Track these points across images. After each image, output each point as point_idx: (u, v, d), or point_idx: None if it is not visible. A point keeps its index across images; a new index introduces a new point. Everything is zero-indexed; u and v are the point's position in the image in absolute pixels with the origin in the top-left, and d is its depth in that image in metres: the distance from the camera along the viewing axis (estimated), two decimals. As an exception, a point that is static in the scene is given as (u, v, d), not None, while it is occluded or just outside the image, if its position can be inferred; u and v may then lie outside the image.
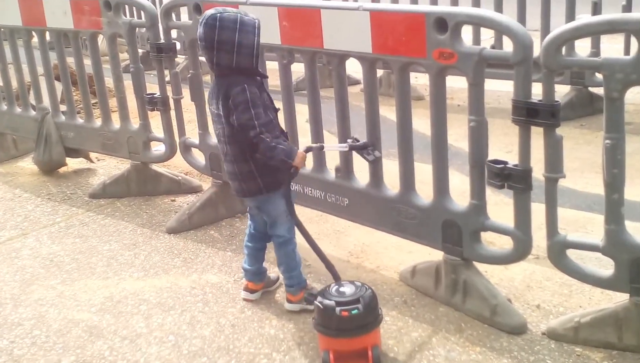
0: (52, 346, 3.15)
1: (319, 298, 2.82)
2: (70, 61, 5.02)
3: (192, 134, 4.42)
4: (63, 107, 5.19)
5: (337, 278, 3.00)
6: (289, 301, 3.26)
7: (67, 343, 3.15)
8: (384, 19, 3.13)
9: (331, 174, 3.63)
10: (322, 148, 3.23)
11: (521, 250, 2.90)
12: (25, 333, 3.27)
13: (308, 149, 3.11)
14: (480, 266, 3.17)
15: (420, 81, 6.46)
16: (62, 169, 5.33)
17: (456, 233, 3.06)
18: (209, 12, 2.93)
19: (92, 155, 5.41)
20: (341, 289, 2.84)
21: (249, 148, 3.02)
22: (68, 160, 5.30)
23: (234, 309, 3.32)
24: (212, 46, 2.91)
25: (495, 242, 3.44)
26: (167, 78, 4.39)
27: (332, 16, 3.35)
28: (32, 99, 5.43)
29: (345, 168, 3.52)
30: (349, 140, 3.32)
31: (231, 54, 2.90)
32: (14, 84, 5.54)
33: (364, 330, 2.76)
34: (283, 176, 3.04)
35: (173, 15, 4.36)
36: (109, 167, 5.38)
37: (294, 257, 3.21)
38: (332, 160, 3.63)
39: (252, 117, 2.92)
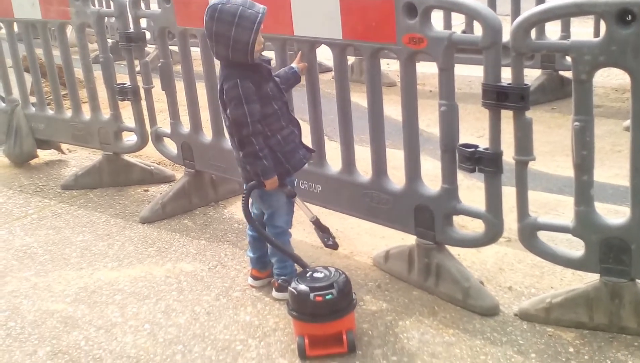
0: (27, 337, 3.09)
1: (293, 284, 2.79)
2: (39, 52, 4.93)
3: (164, 124, 4.35)
4: (33, 99, 5.09)
5: (305, 267, 2.97)
6: (277, 290, 3.19)
7: (42, 334, 3.10)
8: (354, 4, 3.09)
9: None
10: (294, 195, 3.09)
11: (492, 232, 2.88)
12: None
13: (283, 186, 3.03)
14: (453, 250, 3.15)
15: (392, 67, 6.43)
16: (34, 161, 5.25)
17: (428, 218, 3.03)
18: (213, 0, 2.85)
19: (63, 146, 5.31)
20: (315, 275, 2.81)
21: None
22: (39, 152, 5.21)
23: (209, 297, 3.27)
24: (210, 37, 2.85)
25: (468, 226, 3.42)
26: (137, 68, 4.30)
27: (301, 3, 3.29)
28: (0, 91, 5.30)
29: (318, 154, 3.48)
30: (316, 216, 3.20)
31: (227, 48, 2.82)
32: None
33: (338, 314, 2.73)
34: (283, 170, 3.01)
35: (142, 4, 4.29)
36: (80, 158, 5.29)
37: (288, 248, 3.16)
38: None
39: (246, 114, 2.86)
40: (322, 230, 3.17)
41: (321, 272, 2.82)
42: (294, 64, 3.26)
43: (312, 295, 2.71)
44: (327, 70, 6.20)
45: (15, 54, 5.02)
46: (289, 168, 3.04)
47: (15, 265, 3.77)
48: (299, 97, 3.68)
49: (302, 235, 3.49)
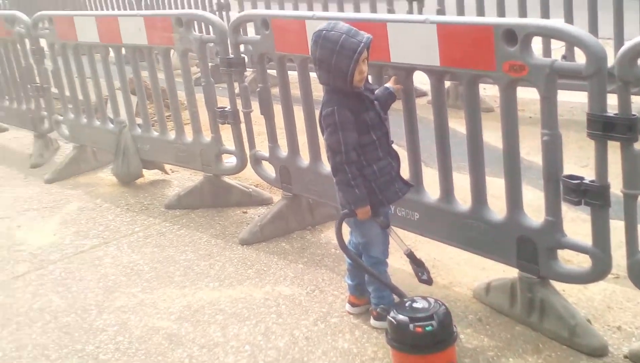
0: (134, 352, 3.14)
1: (392, 313, 2.70)
2: (145, 75, 5.02)
3: (262, 147, 4.33)
4: (139, 121, 5.17)
5: (402, 296, 2.88)
6: (376, 318, 3.11)
7: (148, 350, 3.14)
8: (452, 31, 2.98)
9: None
10: (387, 226, 3.00)
11: (600, 268, 2.69)
12: (109, 338, 3.28)
13: (376, 216, 2.94)
14: (557, 285, 2.97)
15: (489, 92, 6.23)
16: (139, 181, 5.33)
17: (531, 250, 2.87)
18: (320, 26, 2.81)
19: (167, 167, 5.40)
20: (414, 305, 2.71)
21: None
22: (144, 171, 5.29)
23: (307, 321, 3.23)
24: (314, 62, 2.83)
25: (573, 260, 3.23)
26: (237, 91, 4.31)
27: (398, 30, 3.20)
28: (110, 113, 5.43)
29: (415, 181, 3.37)
30: (410, 249, 3.07)
31: (328, 74, 2.78)
32: (93, 98, 5.55)
33: (439, 347, 2.63)
34: (376, 201, 2.92)
35: (241, 30, 4.29)
36: (183, 179, 5.35)
37: (387, 277, 3.07)
38: (403, 173, 3.48)
39: (340, 142, 2.80)
40: (416, 264, 3.05)
41: (420, 302, 2.72)
42: (388, 84, 3.17)
43: (412, 325, 2.61)
44: (422, 94, 6.02)
45: (122, 78, 5.12)
46: (383, 199, 2.95)
47: (124, 281, 3.84)
48: (394, 123, 3.58)
49: (399, 263, 3.39)
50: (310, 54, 2.85)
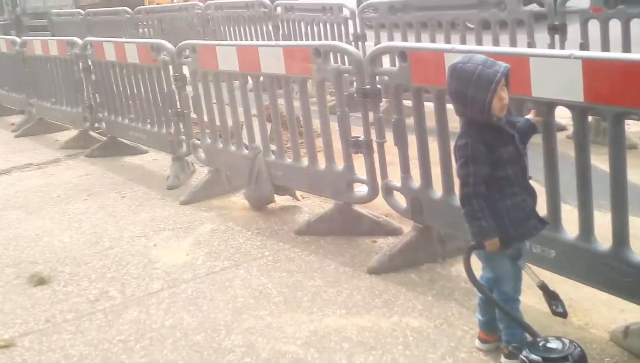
0: (261, 375, 3.23)
1: (525, 353, 2.70)
2: (281, 103, 5.22)
3: (394, 177, 4.41)
4: (273, 147, 5.39)
5: (535, 336, 2.86)
6: (507, 357, 3.09)
7: (275, 374, 3.23)
8: (598, 67, 2.98)
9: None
10: (518, 257, 2.98)
11: None
12: (236, 359, 3.41)
13: (507, 246, 2.93)
14: None
15: (632, 128, 6.06)
16: (271, 206, 5.52)
17: (676, 295, 2.81)
18: (456, 59, 2.89)
19: (298, 193, 5.57)
20: (548, 345, 2.71)
21: None
22: (276, 197, 5.48)
23: (435, 355, 3.26)
24: (450, 95, 2.90)
25: None
26: (371, 120, 4.43)
27: (541, 64, 3.23)
28: (245, 139, 5.67)
29: (553, 218, 3.35)
30: (544, 282, 3.04)
31: (465, 106, 2.84)
32: (229, 123, 5.81)
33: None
34: (507, 236, 2.93)
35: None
36: (313, 205, 5.50)
37: (519, 315, 3.06)
38: (539, 210, 3.46)
39: (469, 174, 2.85)
40: (550, 296, 3.02)
41: (554, 343, 2.71)
42: (529, 116, 3.18)
43: None
44: (562, 129, 5.92)
45: (259, 105, 5.36)
46: (516, 235, 2.95)
47: (252, 304, 3.99)
48: (531, 157, 3.57)
49: (533, 300, 3.36)
50: (447, 87, 2.92)
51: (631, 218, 3.12)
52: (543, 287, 3.01)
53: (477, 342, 3.28)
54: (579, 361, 2.62)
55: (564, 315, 3.02)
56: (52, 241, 5.34)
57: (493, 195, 2.91)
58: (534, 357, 2.65)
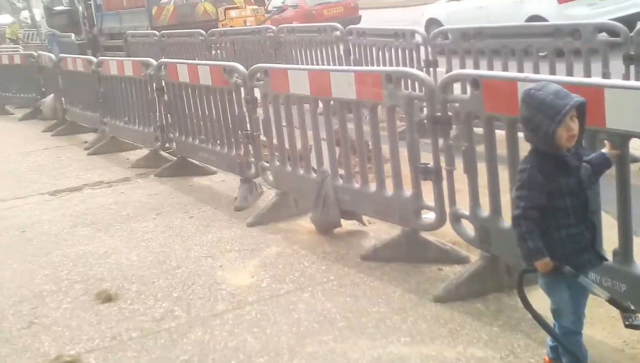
0: (324, 402, 3.31)
1: None
2: (350, 127, 5.32)
3: (463, 205, 4.46)
4: (341, 171, 5.50)
5: None
6: None
7: (338, 400, 3.30)
8: (675, 99, 3.00)
9: (608, 257, 3.48)
10: (575, 275, 2.97)
11: None
12: None
13: (560, 267, 2.96)
14: None
15: None
16: (337, 230, 5.61)
17: None
18: (531, 85, 3.00)
19: (365, 218, 5.64)
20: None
21: None
22: (342, 221, 5.57)
23: (500, 386, 3.30)
24: (520, 120, 3.01)
25: None
26: (440, 147, 4.50)
27: (616, 95, 3.27)
28: (313, 162, 5.81)
29: (624, 251, 3.36)
30: (611, 295, 3.02)
31: (531, 133, 2.94)
32: (299, 146, 5.97)
33: None
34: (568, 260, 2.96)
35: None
36: (379, 231, 5.55)
37: (579, 348, 3.07)
38: (610, 243, 3.49)
39: (522, 198, 2.93)
40: (623, 309, 2.99)
41: None
42: (604, 150, 3.21)
43: None
44: (635, 160, 5.87)
45: (329, 129, 5.48)
46: (567, 266, 2.98)
47: (316, 328, 4.08)
48: (604, 188, 3.59)
49: (601, 335, 3.37)
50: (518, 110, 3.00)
51: None
52: (613, 301, 2.99)
53: None
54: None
55: (639, 327, 2.98)
56: (120, 259, 5.57)
57: (548, 224, 2.97)
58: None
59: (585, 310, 3.12)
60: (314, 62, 10.93)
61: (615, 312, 3.67)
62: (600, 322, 3.70)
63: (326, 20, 16.57)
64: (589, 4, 12.99)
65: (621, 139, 3.31)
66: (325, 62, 10.63)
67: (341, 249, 5.31)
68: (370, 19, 22.90)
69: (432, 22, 15.63)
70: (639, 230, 3.60)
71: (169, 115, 8.00)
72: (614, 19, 8.07)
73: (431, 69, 8.38)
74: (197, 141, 7.47)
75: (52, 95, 12.26)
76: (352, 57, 10.08)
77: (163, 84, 7.91)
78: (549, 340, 3.26)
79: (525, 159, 3.01)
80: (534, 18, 12.87)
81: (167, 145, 8.32)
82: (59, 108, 11.82)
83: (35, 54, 13.57)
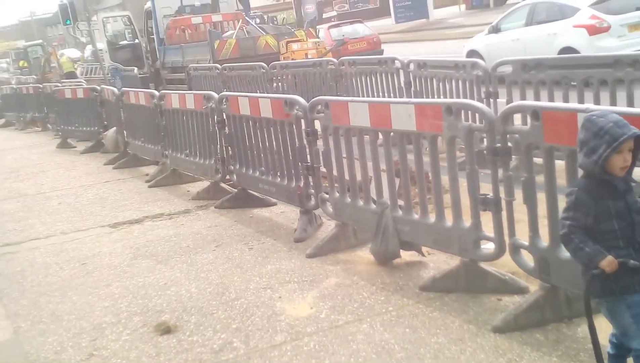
0: None
1: None
2: (410, 158, 5.48)
3: (522, 235, 4.58)
4: (400, 202, 5.65)
5: None
6: None
7: None
8: None
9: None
10: (637, 265, 3.08)
11: None
12: None
13: (623, 262, 3.06)
14: None
15: None
16: (396, 261, 5.74)
17: None
18: (594, 111, 3.19)
19: (424, 249, 5.78)
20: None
21: None
22: (402, 252, 5.70)
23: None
24: (577, 144, 3.18)
25: None
26: (500, 177, 4.64)
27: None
28: (373, 193, 5.97)
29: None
30: None
31: (584, 156, 3.11)
32: (358, 178, 6.12)
33: None
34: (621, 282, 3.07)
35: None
36: (438, 261, 5.69)
37: None
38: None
39: (568, 219, 3.11)
40: None
41: None
42: None
43: None
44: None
45: (389, 160, 5.65)
46: (614, 287, 3.09)
47: (374, 359, 4.21)
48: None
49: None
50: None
51: None
52: None
53: None
54: None
55: None
56: (180, 290, 5.79)
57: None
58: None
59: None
60: (375, 94, 11.17)
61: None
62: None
63: (350, 54, 16.94)
64: (619, 35, 13.53)
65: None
66: (386, 94, 10.85)
67: (400, 280, 5.43)
68: (406, 51, 23.26)
69: (472, 54, 16.40)
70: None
71: (229, 147, 8.29)
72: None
73: (492, 100, 8.51)
74: (258, 173, 7.73)
75: (114, 128, 12.77)
76: (412, 88, 10.28)
77: (224, 117, 8.21)
78: None
79: (575, 183, 3.19)
80: (566, 50, 13.43)
81: (227, 177, 8.58)
82: (121, 141, 12.30)
83: (98, 88, 14.14)
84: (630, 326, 3.13)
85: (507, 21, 16.51)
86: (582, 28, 13.87)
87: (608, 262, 3.06)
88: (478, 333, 4.39)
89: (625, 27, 13.60)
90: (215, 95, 8.42)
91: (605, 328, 3.51)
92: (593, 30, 13.70)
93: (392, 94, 10.69)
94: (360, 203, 6.07)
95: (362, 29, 25.31)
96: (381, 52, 22.36)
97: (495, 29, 16.57)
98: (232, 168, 8.29)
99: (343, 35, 23.48)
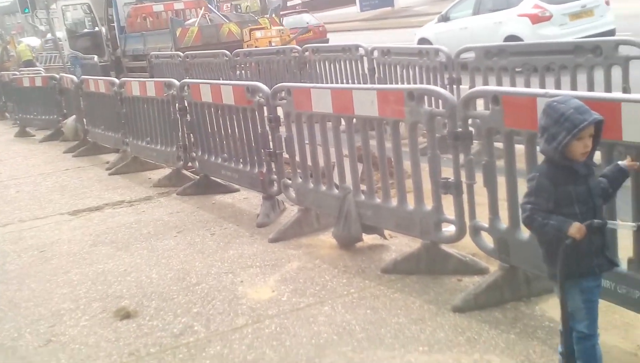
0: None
1: None
2: (373, 144, 5.56)
3: (482, 218, 4.67)
4: (363, 187, 5.73)
5: None
6: None
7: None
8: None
9: (623, 265, 3.68)
10: (605, 224, 3.16)
11: None
12: None
13: (589, 224, 3.12)
14: None
15: None
16: (358, 244, 5.82)
17: None
18: (555, 97, 3.22)
19: (386, 232, 5.86)
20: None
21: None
22: (364, 236, 5.78)
23: (515, 393, 3.49)
24: (539, 130, 3.22)
25: None
26: (461, 162, 4.73)
27: (633, 109, 3.49)
28: (336, 179, 6.03)
29: (639, 259, 3.57)
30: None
31: (545, 142, 3.15)
32: (321, 164, 6.20)
33: None
34: (574, 265, 3.13)
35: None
36: (400, 244, 5.77)
37: (594, 354, 3.24)
38: (626, 252, 3.68)
39: (529, 203, 3.14)
40: None
41: None
42: (621, 162, 3.40)
43: None
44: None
45: (351, 145, 5.72)
46: (575, 269, 3.15)
47: (335, 340, 4.27)
48: (620, 198, 3.78)
49: (616, 340, 3.56)
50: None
51: None
52: None
53: None
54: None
55: None
56: (140, 276, 5.79)
57: None
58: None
59: (599, 315, 3.29)
60: (339, 81, 11.26)
61: (629, 317, 3.89)
62: (615, 327, 3.89)
63: (297, 44, 17.08)
64: (560, 24, 14.31)
65: (637, 152, 3.51)
66: (350, 81, 10.94)
67: (362, 263, 5.51)
68: (372, 39, 23.50)
69: (423, 42, 17.02)
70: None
71: (191, 134, 8.30)
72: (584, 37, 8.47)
73: (455, 87, 8.63)
74: (220, 159, 7.76)
75: (73, 116, 12.67)
76: (376, 75, 10.38)
77: (186, 104, 8.21)
78: (559, 348, 3.43)
79: (536, 168, 3.25)
80: (510, 38, 14.10)
81: (189, 164, 8.60)
82: (81, 129, 12.22)
83: (57, 76, 14.05)
84: (580, 310, 3.21)
85: (456, 10, 17.10)
86: (525, 17, 14.57)
87: (576, 228, 3.09)
88: (438, 313, 4.49)
89: (567, 16, 14.32)
90: (177, 82, 8.41)
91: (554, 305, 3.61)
92: (536, 19, 14.39)
93: (356, 81, 10.78)
94: (323, 188, 6.13)
95: (309, 18, 26.33)
96: (326, 42, 22.61)
97: (445, 18, 17.16)
98: (194, 154, 8.31)
99: (307, 23, 23.60)
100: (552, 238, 3.15)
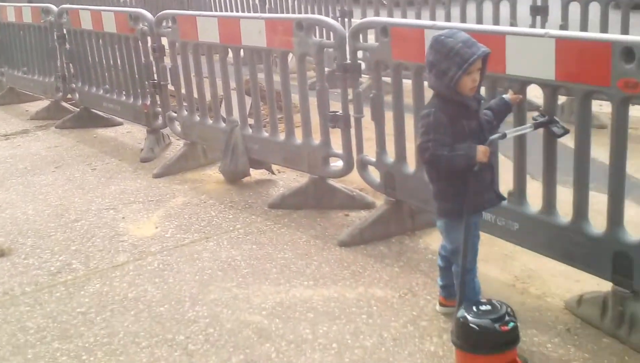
0: (223, 344, 3.50)
1: (471, 319, 2.90)
2: (261, 77, 5.49)
3: (370, 152, 4.71)
4: (250, 121, 5.67)
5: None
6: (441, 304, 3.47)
7: (237, 343, 3.49)
8: (570, 46, 3.28)
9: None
10: (504, 136, 3.21)
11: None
12: (200, 330, 3.65)
13: (490, 142, 3.15)
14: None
15: (604, 109, 6.45)
16: (245, 179, 5.79)
17: (627, 265, 3.13)
18: (441, 31, 3.17)
19: (274, 167, 5.86)
20: (484, 307, 2.93)
21: (429, 170, 3.27)
22: (251, 171, 5.76)
23: (397, 323, 3.56)
24: (426, 65, 3.18)
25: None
26: (350, 97, 4.73)
27: (517, 42, 3.53)
28: (223, 112, 5.96)
29: (518, 193, 3.68)
30: (533, 118, 3.37)
31: (435, 78, 3.12)
32: (208, 97, 6.11)
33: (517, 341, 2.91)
34: (465, 200, 3.14)
35: (361, 36, 4.70)
36: (288, 179, 5.79)
37: (473, 287, 3.32)
38: (506, 185, 3.78)
39: (430, 140, 3.10)
40: (548, 123, 3.35)
41: (490, 304, 2.94)
42: (505, 95, 3.46)
43: (497, 325, 2.84)
44: (536, 108, 6.29)
45: (239, 78, 5.62)
46: (469, 205, 3.16)
47: (220, 276, 4.25)
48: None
49: (494, 272, 3.68)
50: (426, 56, 3.21)
51: (595, 193, 3.46)
52: (538, 125, 3.37)
53: (437, 307, 3.62)
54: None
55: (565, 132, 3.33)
56: (15, 213, 5.57)
57: None
58: (482, 321, 2.86)
59: (479, 248, 3.40)
60: (228, 10, 11.05)
61: (508, 250, 4.03)
62: (494, 259, 4.02)
63: None
64: None
65: (520, 85, 3.58)
66: (240, 11, 10.77)
67: (249, 198, 5.50)
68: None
69: None
70: (535, 173, 3.89)
71: (70, 64, 8.00)
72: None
73: (346, 20, 8.61)
74: (102, 91, 7.51)
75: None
76: (267, 5, 10.26)
77: (65, 32, 7.88)
78: (438, 281, 3.56)
79: (429, 104, 3.22)
80: None
81: (69, 96, 8.31)
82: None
83: None
84: (462, 245, 3.21)
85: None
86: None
87: (482, 151, 3.09)
88: (324, 248, 4.52)
89: None
90: (54, 8, 8.05)
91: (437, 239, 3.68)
92: None
93: (246, 12, 10.62)
94: (210, 121, 6.03)
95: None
96: None
97: None
98: (74, 86, 8.03)
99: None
100: (461, 170, 3.12)
